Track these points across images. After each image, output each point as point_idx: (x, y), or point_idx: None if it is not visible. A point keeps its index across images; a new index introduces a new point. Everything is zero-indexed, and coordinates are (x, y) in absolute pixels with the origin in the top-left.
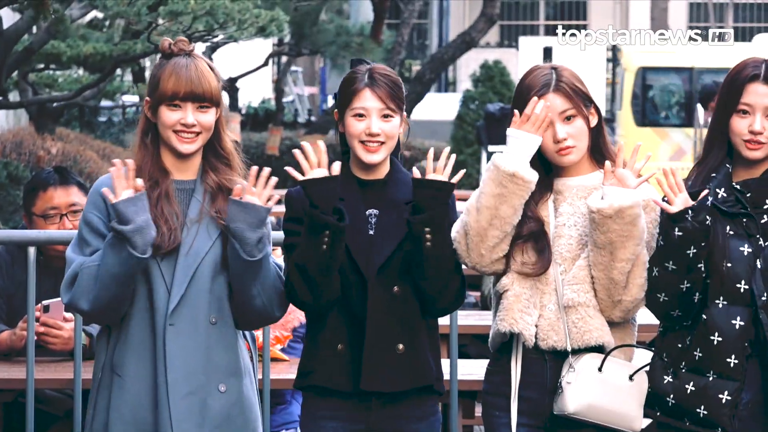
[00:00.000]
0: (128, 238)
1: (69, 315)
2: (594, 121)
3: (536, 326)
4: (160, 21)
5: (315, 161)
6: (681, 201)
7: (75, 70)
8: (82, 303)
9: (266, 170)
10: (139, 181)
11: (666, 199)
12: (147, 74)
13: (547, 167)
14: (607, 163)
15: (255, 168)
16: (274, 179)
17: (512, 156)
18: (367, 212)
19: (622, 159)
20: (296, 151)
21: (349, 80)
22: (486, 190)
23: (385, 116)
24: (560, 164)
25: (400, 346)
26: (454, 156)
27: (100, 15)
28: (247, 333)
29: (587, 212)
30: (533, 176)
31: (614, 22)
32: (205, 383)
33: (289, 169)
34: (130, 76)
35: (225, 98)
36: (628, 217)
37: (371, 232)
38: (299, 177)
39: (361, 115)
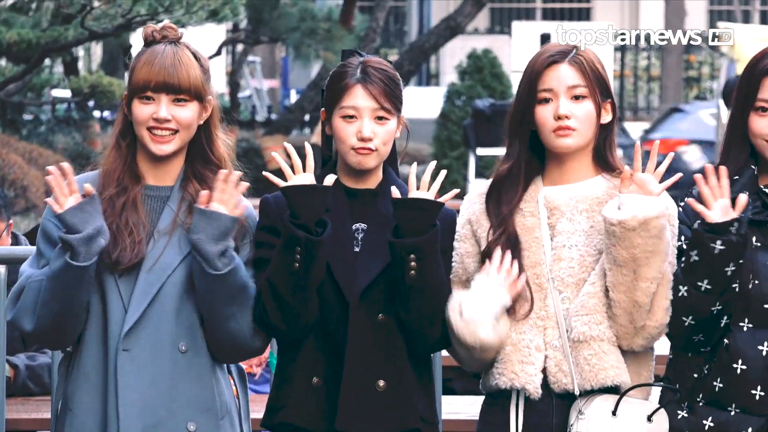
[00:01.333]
0: (73, 247)
1: None
2: (607, 118)
3: (544, 370)
4: (96, 3)
5: (299, 165)
6: (720, 208)
7: None
8: (24, 322)
9: (236, 174)
10: (88, 186)
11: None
12: (80, 65)
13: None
14: (626, 168)
15: (223, 171)
16: (245, 184)
17: (475, 317)
18: (354, 227)
19: (639, 161)
20: (275, 154)
21: (339, 75)
22: (458, 341)
23: (380, 118)
24: (555, 148)
25: (381, 383)
26: (444, 172)
27: None
28: (233, 369)
29: (605, 225)
30: (495, 340)
31: (622, 4)
32: (166, 419)
33: (268, 175)
34: (61, 67)
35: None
36: (654, 230)
37: (356, 249)
38: (281, 183)
39: (351, 117)
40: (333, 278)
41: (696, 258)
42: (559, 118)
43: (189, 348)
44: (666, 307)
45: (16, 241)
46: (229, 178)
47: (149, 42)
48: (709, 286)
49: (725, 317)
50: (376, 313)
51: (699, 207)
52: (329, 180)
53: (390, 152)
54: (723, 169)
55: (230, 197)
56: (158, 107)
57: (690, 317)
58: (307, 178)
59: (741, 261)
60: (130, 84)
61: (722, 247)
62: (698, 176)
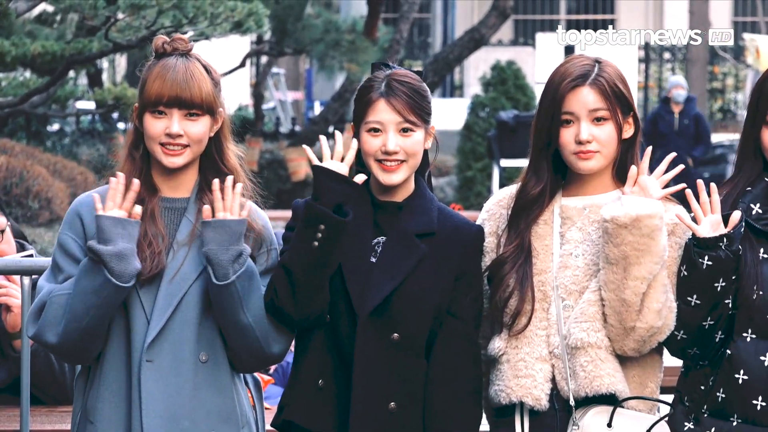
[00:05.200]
0: (105, 262)
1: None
2: (629, 133)
3: (552, 379)
4: (120, 15)
5: (339, 154)
6: (709, 223)
7: (21, 72)
8: (49, 336)
9: (229, 178)
10: (138, 209)
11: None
12: (104, 77)
13: (560, 170)
14: (633, 167)
15: (216, 181)
16: (240, 185)
17: None
18: (374, 240)
19: (647, 165)
20: (305, 147)
21: (364, 89)
22: None
23: (405, 130)
24: (577, 169)
25: (392, 404)
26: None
27: (50, 9)
28: (249, 380)
29: (600, 224)
30: None
31: (646, 16)
32: (189, 429)
33: (306, 148)
34: (85, 79)
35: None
36: (646, 228)
37: (373, 260)
38: (315, 160)
39: (376, 130)
40: (345, 288)
41: (685, 273)
42: (580, 142)
43: (209, 358)
44: (657, 309)
45: (22, 248)
46: (224, 185)
47: (160, 54)
48: (698, 301)
49: (720, 332)
50: (390, 332)
51: (688, 222)
52: (359, 178)
53: (421, 162)
54: (713, 186)
55: (231, 202)
56: (170, 122)
57: (682, 331)
58: (340, 167)
59: (733, 277)
60: (141, 97)
61: (710, 263)
62: (689, 192)
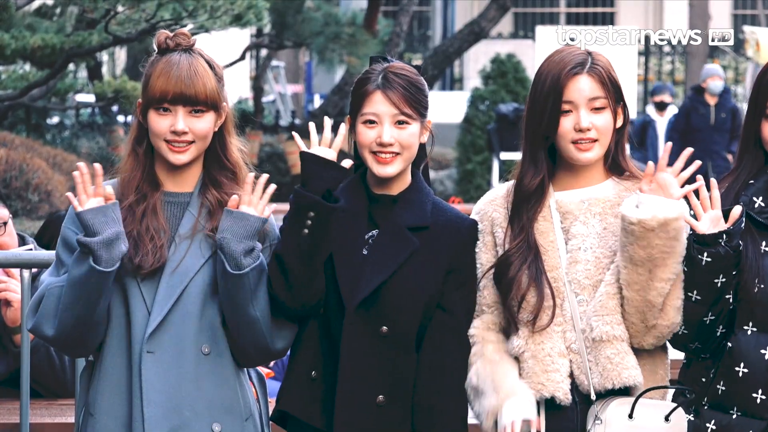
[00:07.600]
0: (93, 251)
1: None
2: (619, 123)
3: (571, 375)
4: (120, 8)
5: (328, 140)
6: (709, 219)
7: (21, 65)
8: (46, 328)
9: (264, 176)
10: (109, 189)
11: (693, 214)
12: (104, 70)
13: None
14: (650, 163)
15: (251, 175)
16: (273, 186)
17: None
18: (368, 233)
19: (666, 160)
20: (294, 134)
21: (361, 81)
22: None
23: (400, 122)
24: (575, 160)
25: (380, 397)
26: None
27: (50, 1)
28: (253, 374)
29: (622, 223)
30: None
31: (646, 8)
32: (191, 420)
33: (296, 135)
34: (85, 72)
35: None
36: (673, 231)
37: (365, 252)
38: (303, 147)
39: (371, 122)
40: (336, 280)
41: (685, 269)
42: (580, 130)
43: (211, 350)
44: (678, 306)
45: (23, 241)
46: (257, 182)
47: (162, 49)
48: (699, 297)
49: (721, 326)
50: (379, 325)
51: (688, 218)
52: (346, 163)
53: (417, 155)
54: (713, 181)
55: (258, 200)
56: (175, 119)
57: (683, 327)
58: (328, 153)
59: (734, 272)
60: (145, 93)
61: (709, 259)
62: (689, 189)
